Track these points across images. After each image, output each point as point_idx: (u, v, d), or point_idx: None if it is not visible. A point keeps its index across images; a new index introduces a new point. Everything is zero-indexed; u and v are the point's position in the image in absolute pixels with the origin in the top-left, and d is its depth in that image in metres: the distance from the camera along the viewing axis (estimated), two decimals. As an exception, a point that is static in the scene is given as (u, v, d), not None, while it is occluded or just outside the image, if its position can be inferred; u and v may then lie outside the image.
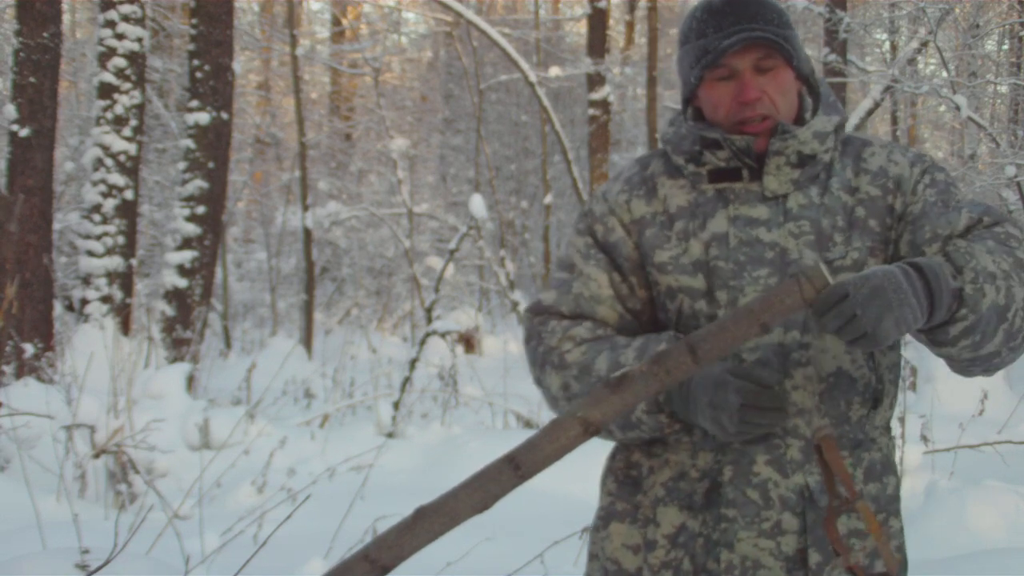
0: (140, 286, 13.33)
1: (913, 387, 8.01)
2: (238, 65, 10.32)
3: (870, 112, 11.84)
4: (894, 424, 5.30)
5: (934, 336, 1.58)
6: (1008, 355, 1.65)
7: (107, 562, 2.99)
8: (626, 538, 1.77)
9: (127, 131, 9.20)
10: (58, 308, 9.67)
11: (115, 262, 9.03)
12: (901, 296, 1.48)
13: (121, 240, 9.08)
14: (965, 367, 1.67)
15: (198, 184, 9.51)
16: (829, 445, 1.53)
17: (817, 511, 1.68)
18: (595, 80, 15.28)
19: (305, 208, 13.61)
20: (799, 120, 1.78)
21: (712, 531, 1.70)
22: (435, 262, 14.19)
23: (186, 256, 9.43)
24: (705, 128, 1.74)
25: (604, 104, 15.34)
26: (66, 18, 14.29)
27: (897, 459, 5.11)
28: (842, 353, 1.69)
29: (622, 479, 1.80)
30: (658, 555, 1.73)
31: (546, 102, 11.34)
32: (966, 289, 1.54)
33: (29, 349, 7.91)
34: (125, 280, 9.13)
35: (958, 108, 7.35)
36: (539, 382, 1.82)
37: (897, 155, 1.78)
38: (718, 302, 1.71)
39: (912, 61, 9.58)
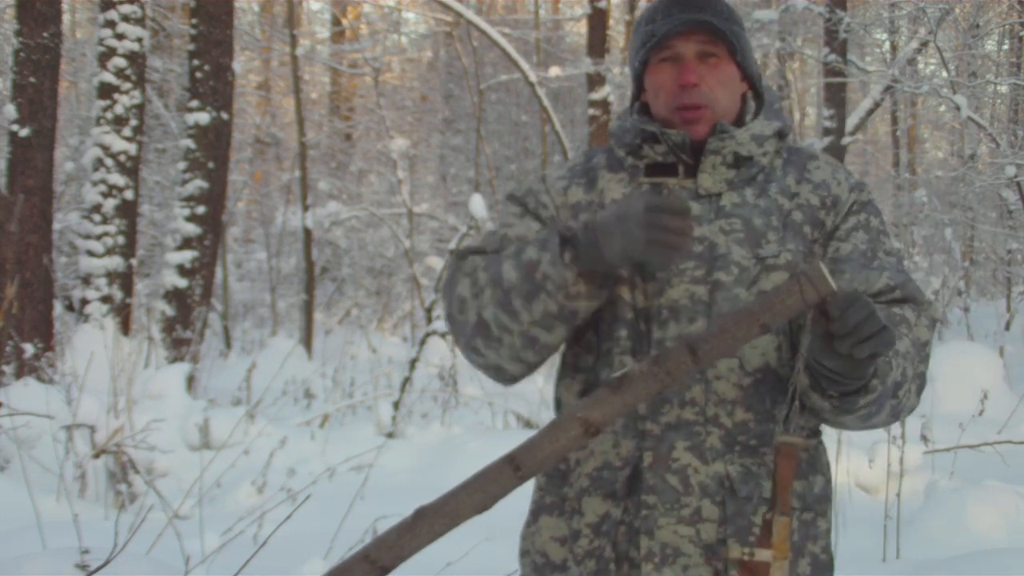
0: (140, 286, 13.33)
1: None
2: (238, 65, 10.32)
3: (870, 112, 11.86)
4: (893, 424, 5.28)
5: (843, 403, 1.62)
6: (882, 425, 1.72)
7: (107, 562, 2.99)
8: (554, 530, 1.78)
9: (127, 131, 9.20)
10: (58, 308, 9.67)
11: (115, 262, 9.03)
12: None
13: (121, 240, 9.08)
14: (839, 426, 1.73)
15: (198, 184, 9.51)
16: (783, 452, 1.51)
17: (737, 501, 1.68)
18: (595, 80, 15.27)
19: (305, 208, 13.61)
20: (739, 122, 1.81)
21: (634, 518, 1.71)
22: (435, 262, 14.18)
23: (186, 256, 9.43)
24: (645, 122, 1.78)
25: (604, 104, 15.34)
26: (66, 18, 14.29)
27: (896, 458, 5.13)
28: (771, 350, 1.71)
29: (551, 472, 1.81)
30: (582, 544, 1.74)
31: (546, 102, 11.34)
32: (879, 361, 1.58)
33: (29, 349, 7.91)
34: (125, 280, 9.13)
35: (958, 108, 7.35)
36: (451, 319, 1.77)
37: (841, 175, 1.82)
38: (644, 292, 1.73)
39: (912, 61, 9.59)
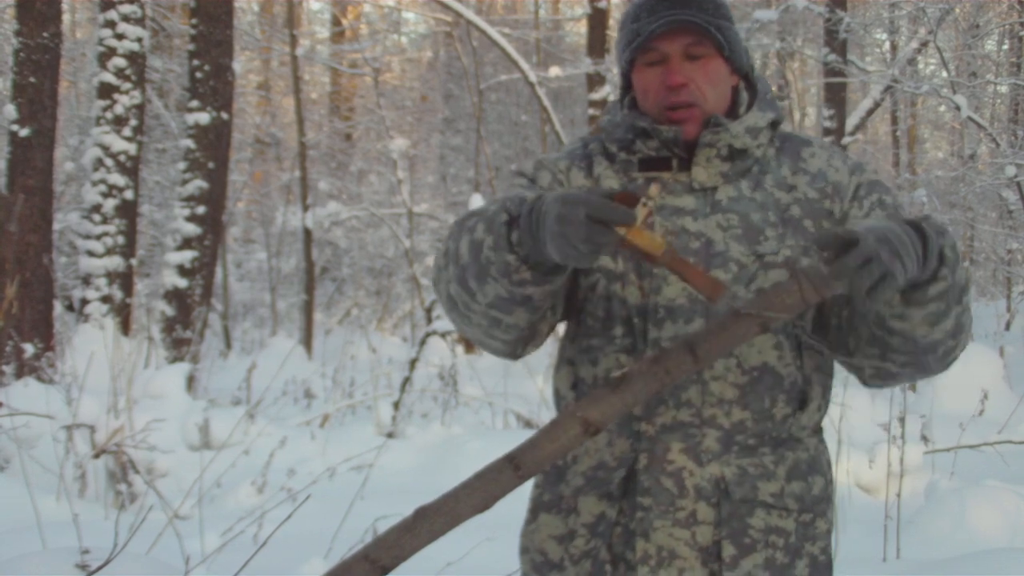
0: (140, 286, 13.33)
1: (913, 387, 8.01)
2: (238, 65, 10.32)
3: (870, 112, 11.85)
4: (894, 424, 5.30)
5: (911, 296, 1.55)
6: (939, 360, 1.65)
7: (107, 562, 2.99)
8: (552, 529, 1.77)
9: (127, 131, 9.20)
10: (58, 308, 9.67)
11: (115, 262, 9.03)
12: (903, 242, 1.46)
13: (121, 240, 9.09)
14: (879, 372, 1.68)
15: (198, 184, 9.51)
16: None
17: (732, 503, 1.68)
18: (595, 80, 15.27)
19: (305, 208, 13.61)
20: (732, 114, 1.77)
21: (629, 520, 1.70)
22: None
23: (186, 256, 9.43)
24: (636, 117, 1.75)
25: (604, 104, 15.33)
26: (66, 18, 14.29)
27: (896, 458, 5.12)
28: (769, 348, 1.69)
29: (548, 469, 1.79)
30: (578, 544, 1.73)
31: (546, 102, 11.33)
32: (946, 251, 1.54)
33: (29, 349, 7.92)
34: (125, 280, 9.13)
35: (958, 108, 7.35)
36: (434, 289, 1.73)
37: (837, 160, 1.79)
38: (640, 289, 1.70)
39: (912, 61, 9.59)
